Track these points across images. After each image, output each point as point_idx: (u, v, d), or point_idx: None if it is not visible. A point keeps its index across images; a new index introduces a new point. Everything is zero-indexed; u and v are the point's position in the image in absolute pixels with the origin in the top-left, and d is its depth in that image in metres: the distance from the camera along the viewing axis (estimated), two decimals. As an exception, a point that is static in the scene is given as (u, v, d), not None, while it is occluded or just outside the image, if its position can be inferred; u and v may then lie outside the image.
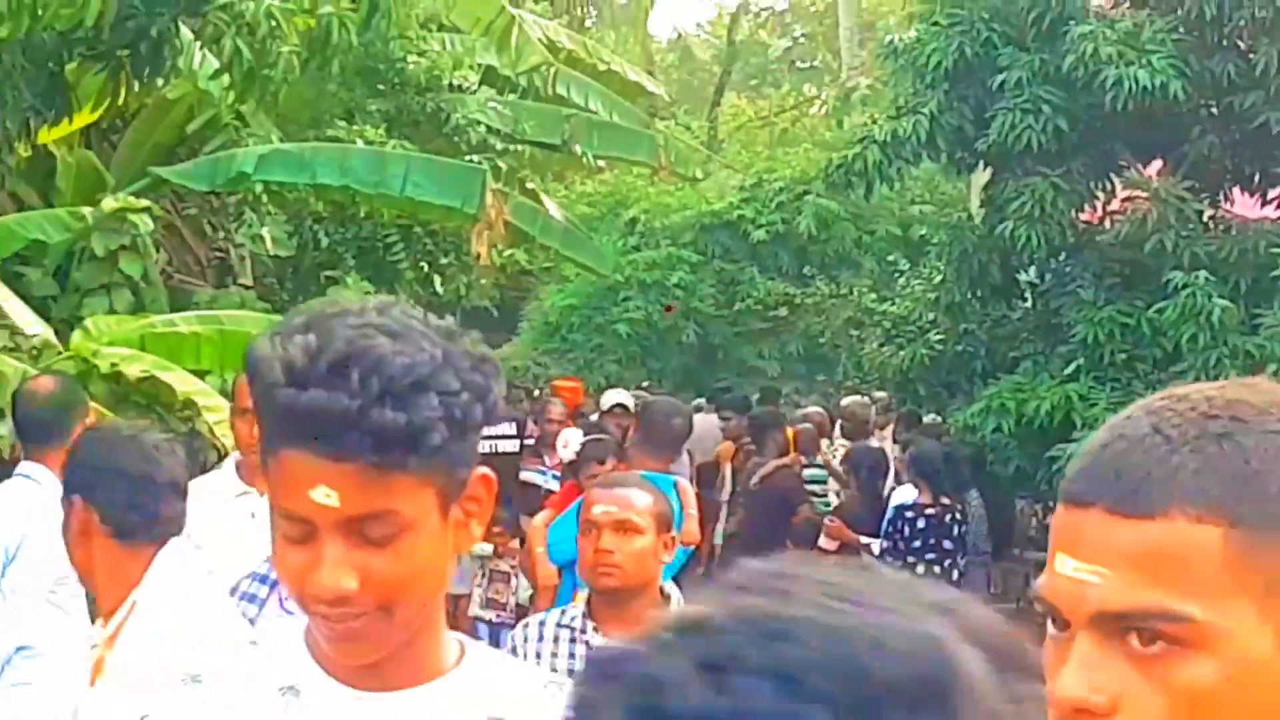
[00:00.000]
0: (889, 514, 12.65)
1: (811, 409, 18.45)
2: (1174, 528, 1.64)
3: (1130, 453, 1.68)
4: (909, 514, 12.48)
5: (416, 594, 2.16)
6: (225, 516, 6.75)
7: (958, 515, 12.63)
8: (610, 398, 16.18)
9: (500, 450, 14.74)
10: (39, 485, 6.44)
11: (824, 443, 16.65)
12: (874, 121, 15.83)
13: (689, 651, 1.10)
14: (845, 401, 18.56)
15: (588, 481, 10.47)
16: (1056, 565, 1.71)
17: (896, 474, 14.14)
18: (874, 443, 16.39)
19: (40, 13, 8.53)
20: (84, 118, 11.28)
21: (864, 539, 12.93)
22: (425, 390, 2.09)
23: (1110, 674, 1.66)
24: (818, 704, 1.06)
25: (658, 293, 25.97)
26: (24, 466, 6.59)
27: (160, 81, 10.72)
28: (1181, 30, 14.09)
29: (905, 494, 12.86)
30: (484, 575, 11.18)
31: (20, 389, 7.25)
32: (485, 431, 9.18)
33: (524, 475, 15.57)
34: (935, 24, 15.02)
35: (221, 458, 8.05)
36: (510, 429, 15.25)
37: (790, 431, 15.75)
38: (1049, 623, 1.75)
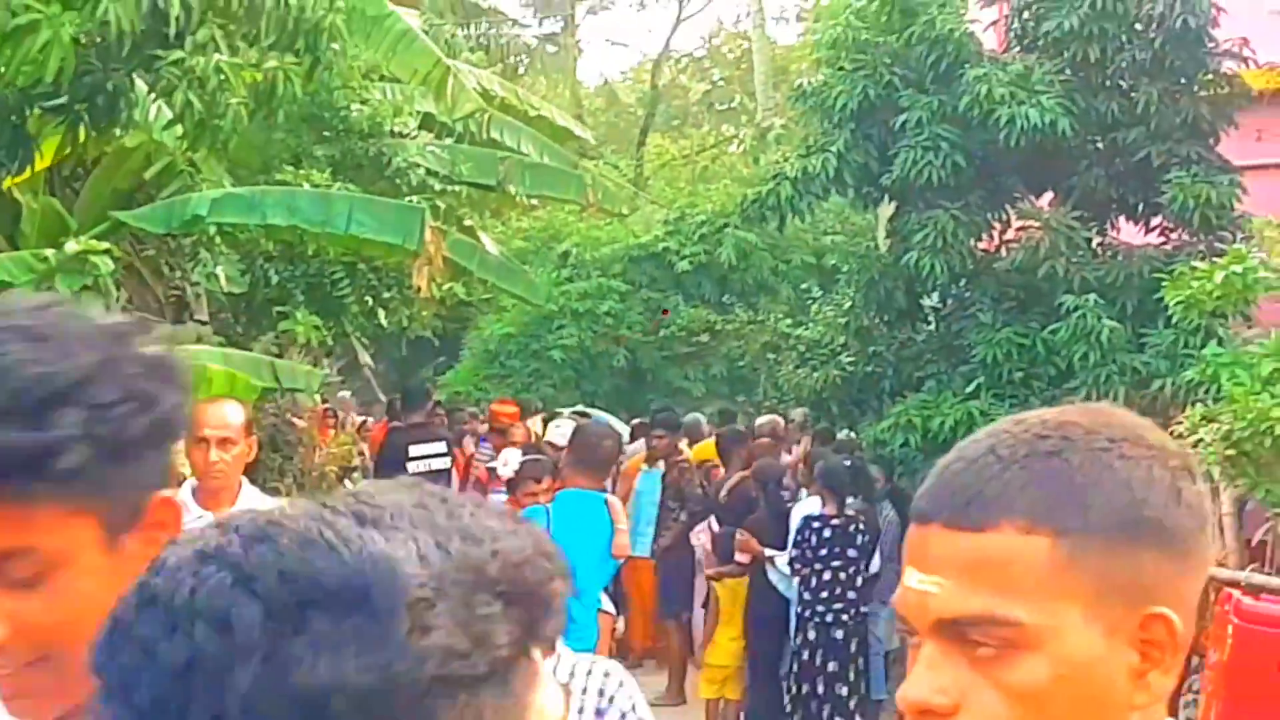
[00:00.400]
0: (798, 524, 12.69)
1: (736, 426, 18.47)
2: (1003, 539, 1.69)
3: (966, 471, 1.75)
4: (816, 524, 12.53)
5: (83, 640, 1.31)
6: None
7: (861, 525, 12.69)
8: (553, 434, 16.10)
9: (434, 469, 14.80)
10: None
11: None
12: (786, 159, 15.87)
13: (201, 543, 1.19)
14: (760, 420, 18.61)
15: (525, 498, 10.53)
16: (905, 578, 1.76)
17: (800, 486, 14.25)
18: (787, 458, 16.46)
19: (1, 70, 8.51)
20: (46, 166, 11.23)
21: (770, 551, 12.95)
22: (64, 404, 1.69)
23: (952, 676, 1.70)
24: (255, 599, 1.13)
25: (589, 321, 25.98)
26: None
27: (118, 132, 10.67)
28: (1069, 72, 14.28)
29: (810, 505, 12.90)
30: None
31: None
32: (417, 452, 9.16)
33: (491, 497, 15.57)
34: (841, 68, 15.13)
35: (179, 484, 8.00)
36: (441, 448, 15.28)
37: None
38: (906, 634, 1.81)
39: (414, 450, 14.84)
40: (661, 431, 16.19)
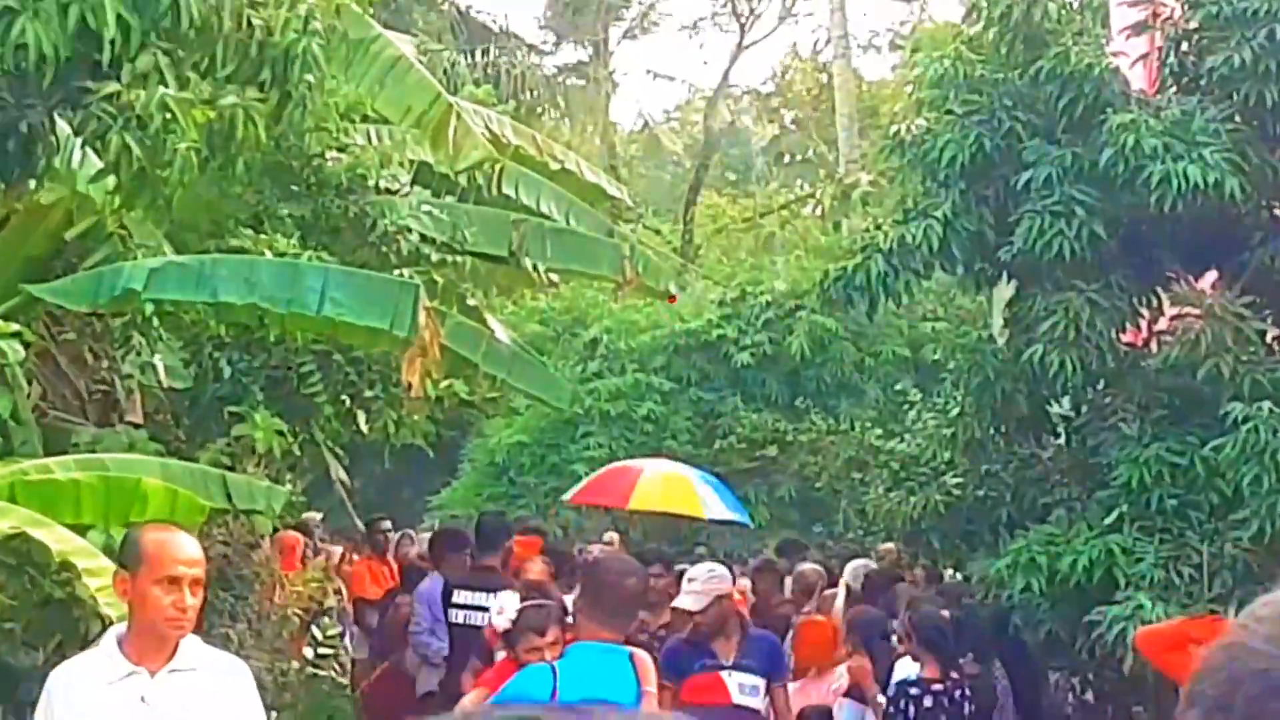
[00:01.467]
0: (891, 692, 12.55)
1: (807, 566, 18.39)
2: None
3: None
4: (913, 690, 12.37)
5: None
6: (109, 704, 6.71)
7: (968, 691, 12.51)
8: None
9: (470, 623, 14.52)
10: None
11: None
12: (877, 227, 15.88)
13: None
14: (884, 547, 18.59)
15: (527, 654, 10.26)
16: None
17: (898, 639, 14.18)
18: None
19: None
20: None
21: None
22: None
23: None
24: None
25: (623, 426, 26.04)
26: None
27: (32, 184, 10.77)
28: (1238, 119, 14.21)
29: (907, 667, 12.79)
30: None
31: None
32: (461, 599, 9.27)
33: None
34: (949, 112, 15.10)
35: (105, 628, 8.00)
36: (486, 600, 14.82)
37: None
38: None
39: (458, 596, 14.71)
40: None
